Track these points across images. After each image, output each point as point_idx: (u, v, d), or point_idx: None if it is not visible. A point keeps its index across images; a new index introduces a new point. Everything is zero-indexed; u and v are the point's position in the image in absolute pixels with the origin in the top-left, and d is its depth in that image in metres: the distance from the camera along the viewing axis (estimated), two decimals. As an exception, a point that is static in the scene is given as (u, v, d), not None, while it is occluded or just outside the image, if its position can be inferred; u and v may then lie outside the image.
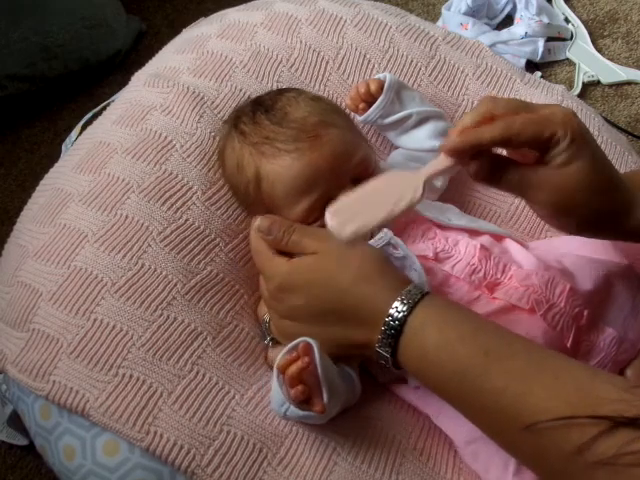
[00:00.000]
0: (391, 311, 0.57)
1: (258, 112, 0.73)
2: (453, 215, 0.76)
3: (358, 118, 0.83)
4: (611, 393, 0.48)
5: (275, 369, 0.62)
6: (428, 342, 0.56)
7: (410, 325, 0.57)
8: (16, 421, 0.93)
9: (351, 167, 0.71)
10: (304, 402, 0.62)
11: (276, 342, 0.69)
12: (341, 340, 0.61)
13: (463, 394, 0.55)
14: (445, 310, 0.58)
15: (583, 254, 0.75)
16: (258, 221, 0.66)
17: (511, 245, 0.75)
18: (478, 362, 0.54)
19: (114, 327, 0.67)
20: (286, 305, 0.64)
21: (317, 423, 0.66)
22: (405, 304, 0.57)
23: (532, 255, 0.72)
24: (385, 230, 0.65)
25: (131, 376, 0.66)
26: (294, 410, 0.63)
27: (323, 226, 0.67)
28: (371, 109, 0.81)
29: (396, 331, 0.57)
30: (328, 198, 0.68)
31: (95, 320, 0.67)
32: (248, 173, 0.72)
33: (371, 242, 0.68)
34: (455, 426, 0.68)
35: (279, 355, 0.63)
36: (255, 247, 0.68)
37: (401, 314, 0.57)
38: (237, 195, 0.77)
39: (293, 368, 0.61)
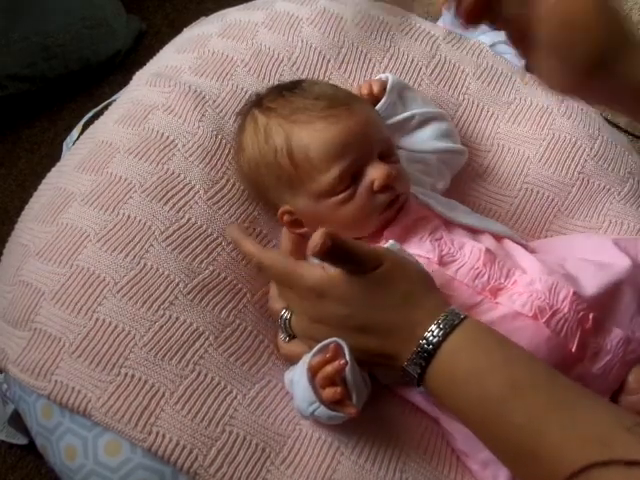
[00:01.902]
0: (427, 334, 0.57)
1: (284, 91, 0.74)
2: (462, 213, 0.76)
3: (361, 120, 0.84)
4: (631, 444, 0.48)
5: (306, 368, 0.62)
6: (458, 368, 0.57)
7: (443, 350, 0.57)
8: (17, 421, 0.93)
9: (381, 139, 0.72)
10: (335, 403, 0.62)
11: (292, 337, 0.68)
12: (372, 349, 0.61)
13: (485, 422, 0.55)
14: (479, 337, 0.59)
15: (585, 256, 0.75)
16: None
17: (514, 248, 0.75)
18: (504, 393, 0.54)
19: (116, 327, 0.67)
20: (322, 310, 0.62)
21: (337, 423, 0.65)
22: (441, 329, 0.57)
23: (536, 259, 0.72)
24: (392, 241, 0.66)
25: (133, 376, 0.66)
26: (323, 410, 0.62)
27: (349, 197, 0.70)
28: None
29: (429, 354, 0.57)
30: (357, 167, 0.70)
31: (97, 320, 0.67)
32: (277, 141, 0.71)
33: None
34: (466, 432, 0.67)
35: (309, 355, 0.62)
36: (285, 246, 0.68)
37: (436, 339, 0.57)
38: (258, 177, 0.75)
39: (329, 369, 0.61)
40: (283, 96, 0.73)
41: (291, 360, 0.69)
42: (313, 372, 0.62)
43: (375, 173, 0.69)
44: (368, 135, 0.71)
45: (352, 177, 0.70)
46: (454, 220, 0.74)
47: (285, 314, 0.67)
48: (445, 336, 0.57)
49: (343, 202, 0.70)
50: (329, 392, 0.61)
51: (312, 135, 0.69)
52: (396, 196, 0.71)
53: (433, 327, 0.58)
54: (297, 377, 0.64)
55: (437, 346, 0.57)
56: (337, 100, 0.71)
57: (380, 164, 0.70)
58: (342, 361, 0.60)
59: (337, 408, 0.62)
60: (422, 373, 0.58)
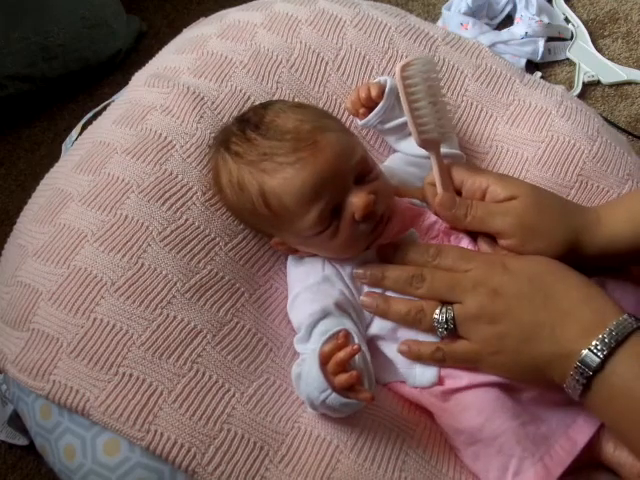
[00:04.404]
0: (605, 332, 0.59)
1: (248, 130, 0.72)
2: None
3: (358, 122, 0.84)
4: None
5: (317, 355, 0.62)
6: None
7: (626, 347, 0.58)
8: (16, 421, 0.93)
9: (352, 167, 0.70)
10: (348, 390, 0.62)
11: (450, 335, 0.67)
12: (542, 322, 0.62)
13: None
14: None
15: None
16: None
17: None
18: None
19: (114, 326, 0.67)
20: (504, 277, 0.65)
21: (347, 413, 0.66)
22: (618, 333, 0.58)
23: None
24: (412, 229, 0.66)
25: (131, 375, 0.66)
26: (335, 397, 0.62)
27: (334, 233, 0.69)
28: (371, 114, 0.81)
29: (611, 348, 0.58)
30: (335, 203, 0.69)
31: (95, 319, 0.67)
32: (252, 192, 0.70)
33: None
34: (457, 427, 0.68)
35: (319, 343, 0.63)
36: None
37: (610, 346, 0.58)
38: (242, 217, 0.76)
39: (341, 354, 0.61)
40: (247, 138, 0.71)
41: (468, 362, 0.68)
42: (324, 359, 0.62)
43: (354, 203, 0.68)
44: (339, 168, 0.69)
45: (332, 212, 0.69)
46: None
47: (443, 312, 0.66)
48: (623, 341, 0.58)
49: (329, 237, 0.69)
50: (342, 377, 0.61)
51: (282, 184, 0.68)
52: (380, 216, 0.70)
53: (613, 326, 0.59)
54: (307, 367, 0.64)
55: (623, 340, 0.58)
56: (301, 138, 0.68)
57: (358, 192, 0.68)
58: (355, 346, 0.60)
59: (350, 395, 0.62)
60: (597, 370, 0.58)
